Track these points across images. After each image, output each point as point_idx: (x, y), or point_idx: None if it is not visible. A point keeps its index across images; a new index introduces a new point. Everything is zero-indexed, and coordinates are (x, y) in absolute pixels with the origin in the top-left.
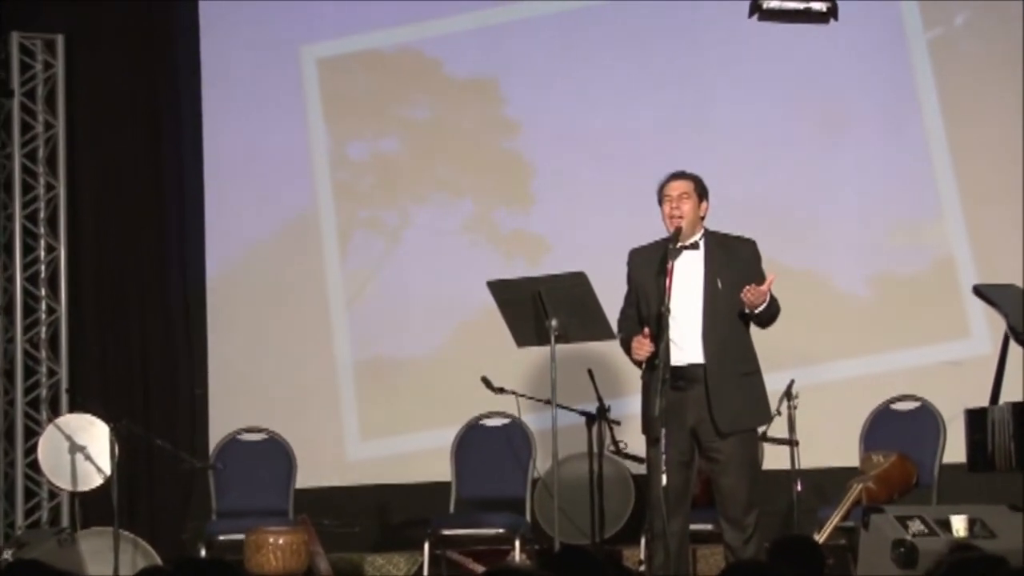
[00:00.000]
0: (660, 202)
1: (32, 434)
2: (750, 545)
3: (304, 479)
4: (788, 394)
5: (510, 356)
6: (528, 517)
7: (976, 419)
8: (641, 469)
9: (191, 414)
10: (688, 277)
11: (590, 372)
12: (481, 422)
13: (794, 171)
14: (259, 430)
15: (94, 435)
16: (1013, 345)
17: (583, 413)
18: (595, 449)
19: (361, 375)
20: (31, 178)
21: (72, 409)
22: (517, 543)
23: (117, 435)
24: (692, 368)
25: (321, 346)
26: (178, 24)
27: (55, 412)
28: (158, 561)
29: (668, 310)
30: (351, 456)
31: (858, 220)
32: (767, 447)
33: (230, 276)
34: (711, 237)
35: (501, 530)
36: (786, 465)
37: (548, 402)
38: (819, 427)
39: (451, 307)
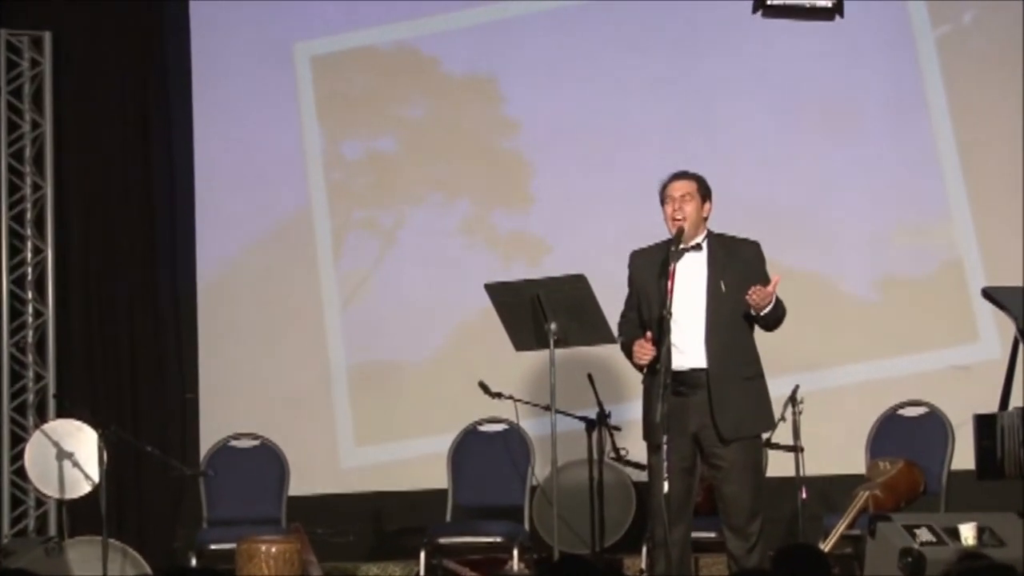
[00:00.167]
0: (662, 203)
1: (19, 440)
2: (754, 554)
3: (297, 486)
4: (792, 399)
5: (508, 360)
6: (527, 525)
7: (985, 425)
8: (642, 476)
9: (181, 420)
10: (690, 280)
11: (590, 377)
12: (479, 428)
13: (799, 171)
14: (251, 436)
15: (82, 441)
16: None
17: (583, 419)
18: (595, 456)
19: (355, 379)
20: (17, 178)
21: (59, 415)
22: (515, 552)
23: (105, 441)
24: (694, 373)
25: (315, 350)
26: (168, 21)
27: (42, 418)
28: (148, 570)
29: (670, 314)
30: (345, 463)
31: (864, 221)
32: (771, 453)
33: (221, 278)
34: (714, 239)
35: (499, 538)
36: (791, 472)
37: (547, 407)
38: (824, 433)
39: (448, 310)
